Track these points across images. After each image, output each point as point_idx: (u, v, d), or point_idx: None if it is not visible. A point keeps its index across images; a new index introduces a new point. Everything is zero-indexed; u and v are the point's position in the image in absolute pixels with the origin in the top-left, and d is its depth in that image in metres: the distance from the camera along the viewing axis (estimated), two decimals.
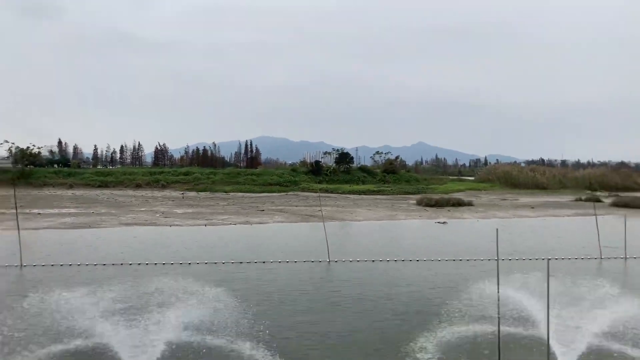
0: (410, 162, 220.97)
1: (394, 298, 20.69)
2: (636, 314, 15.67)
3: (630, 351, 14.40)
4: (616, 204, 66.82)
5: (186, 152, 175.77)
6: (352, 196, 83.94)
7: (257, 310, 17.98)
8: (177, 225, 44.06)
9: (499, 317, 14.84)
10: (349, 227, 45.24)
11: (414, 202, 69.30)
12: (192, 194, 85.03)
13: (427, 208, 62.14)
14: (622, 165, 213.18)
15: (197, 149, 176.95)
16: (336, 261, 28.32)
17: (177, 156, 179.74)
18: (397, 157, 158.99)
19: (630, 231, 32.43)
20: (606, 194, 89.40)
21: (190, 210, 56.32)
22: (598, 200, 69.14)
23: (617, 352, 14.44)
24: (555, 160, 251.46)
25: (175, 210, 55.89)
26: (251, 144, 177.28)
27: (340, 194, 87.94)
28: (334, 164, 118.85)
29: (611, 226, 39.36)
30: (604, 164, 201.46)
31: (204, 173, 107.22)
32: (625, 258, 29.50)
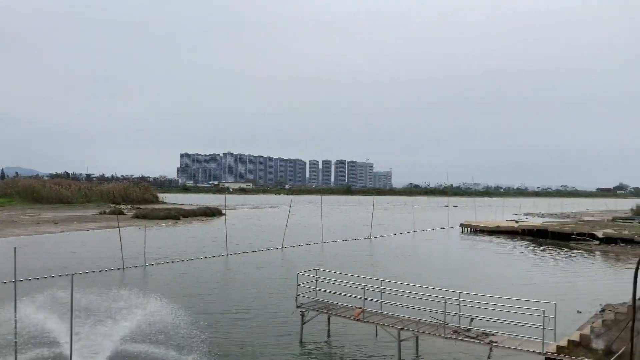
0: None
1: None
2: (154, 315, 17.10)
3: (153, 348, 15.66)
4: (137, 216, 72.11)
5: None
6: None
7: None
8: None
9: (15, 343, 13.53)
10: None
11: None
12: None
13: None
14: (143, 179, 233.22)
15: None
16: None
17: None
18: None
19: (148, 240, 35.72)
20: (128, 206, 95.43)
21: None
22: (121, 213, 72.89)
23: (141, 352, 15.41)
24: (81, 174, 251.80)
25: None
26: None
27: None
28: None
29: (133, 237, 42.08)
30: (127, 178, 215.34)
31: None
32: (145, 265, 32.11)
